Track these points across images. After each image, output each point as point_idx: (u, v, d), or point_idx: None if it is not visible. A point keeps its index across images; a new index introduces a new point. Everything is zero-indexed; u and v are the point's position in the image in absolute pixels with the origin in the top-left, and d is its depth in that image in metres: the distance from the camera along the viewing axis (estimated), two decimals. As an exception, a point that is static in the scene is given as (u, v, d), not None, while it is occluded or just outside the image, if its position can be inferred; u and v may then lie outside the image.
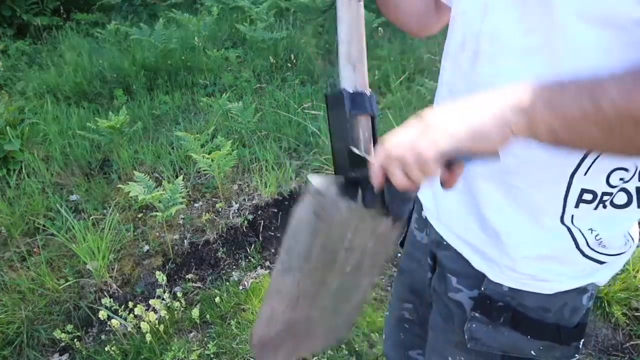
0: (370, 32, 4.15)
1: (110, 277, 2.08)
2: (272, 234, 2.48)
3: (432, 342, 0.92)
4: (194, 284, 2.17)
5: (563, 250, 0.69)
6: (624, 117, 0.46)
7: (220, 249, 2.32)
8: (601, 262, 0.71)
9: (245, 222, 2.40)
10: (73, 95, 3.49)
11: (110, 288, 2.05)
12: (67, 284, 2.02)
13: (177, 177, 2.56)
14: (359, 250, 0.68)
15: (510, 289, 0.74)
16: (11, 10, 4.55)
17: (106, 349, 1.78)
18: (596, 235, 0.68)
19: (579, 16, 0.52)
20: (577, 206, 0.65)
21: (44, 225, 2.32)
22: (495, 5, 0.62)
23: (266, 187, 2.52)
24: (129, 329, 1.84)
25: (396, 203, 0.61)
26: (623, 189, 0.64)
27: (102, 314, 1.78)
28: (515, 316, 0.75)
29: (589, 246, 0.69)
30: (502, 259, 0.73)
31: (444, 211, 0.83)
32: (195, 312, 1.88)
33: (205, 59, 3.77)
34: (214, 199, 2.53)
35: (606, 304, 1.93)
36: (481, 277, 0.77)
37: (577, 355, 0.78)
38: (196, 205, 2.50)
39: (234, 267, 2.28)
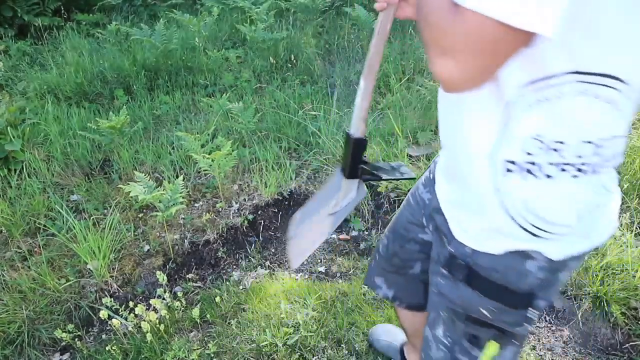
0: (370, 33, 4.15)
1: (111, 276, 2.08)
2: (272, 233, 2.49)
3: (431, 301, 1.02)
4: (194, 284, 2.17)
5: (499, 218, 0.77)
6: (426, 20, 0.63)
7: (221, 248, 2.32)
8: (535, 235, 0.76)
9: (246, 222, 2.41)
10: (74, 95, 3.49)
11: (111, 288, 2.06)
12: (68, 283, 2.03)
13: (177, 177, 2.57)
14: (339, 203, 1.21)
15: (471, 249, 0.84)
16: (12, 11, 4.56)
17: (107, 348, 1.79)
18: (527, 207, 0.74)
19: None
20: (504, 175, 0.73)
21: (44, 225, 2.32)
22: None
23: (266, 187, 2.52)
24: (130, 328, 1.85)
25: (357, 170, 1.14)
26: (549, 163, 0.71)
27: (103, 314, 1.79)
28: (470, 273, 0.85)
29: (520, 216, 0.75)
30: (462, 219, 0.86)
31: (439, 176, 0.99)
32: (195, 312, 1.88)
33: (206, 59, 3.78)
34: (214, 199, 2.54)
35: (605, 304, 1.93)
36: (454, 240, 0.88)
37: (526, 324, 0.84)
38: (196, 205, 2.51)
39: (234, 266, 2.28)
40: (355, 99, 1.08)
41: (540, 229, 0.75)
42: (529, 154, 0.70)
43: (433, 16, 0.62)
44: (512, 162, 0.72)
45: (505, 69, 0.65)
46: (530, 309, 0.82)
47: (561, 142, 0.69)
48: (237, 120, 2.92)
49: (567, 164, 0.70)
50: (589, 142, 0.69)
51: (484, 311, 0.85)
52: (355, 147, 1.12)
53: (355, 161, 1.16)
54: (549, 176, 0.71)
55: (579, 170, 0.71)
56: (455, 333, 0.93)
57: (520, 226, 0.76)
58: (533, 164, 0.71)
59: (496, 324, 0.86)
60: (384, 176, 1.12)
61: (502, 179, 0.74)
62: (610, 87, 0.64)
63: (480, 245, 0.82)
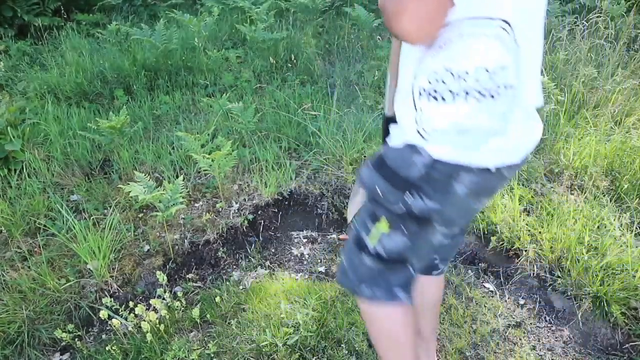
0: (370, 33, 4.15)
1: (111, 276, 2.08)
2: (272, 233, 2.49)
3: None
4: (194, 284, 2.17)
5: (409, 123, 1.00)
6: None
7: (221, 248, 2.32)
8: (423, 137, 0.98)
9: (246, 222, 2.41)
10: (74, 95, 3.49)
11: (111, 288, 2.06)
12: (68, 283, 2.03)
13: (177, 177, 2.57)
14: None
15: (388, 146, 1.07)
16: (12, 11, 4.56)
17: (107, 348, 1.79)
18: (421, 117, 0.96)
19: None
20: (419, 93, 0.96)
21: (44, 225, 2.32)
22: None
23: (266, 187, 2.52)
24: (130, 328, 1.85)
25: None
26: (452, 89, 0.91)
27: (103, 314, 1.79)
28: (381, 162, 1.06)
29: (420, 122, 0.97)
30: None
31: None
32: (195, 312, 1.88)
33: (206, 59, 3.78)
34: (214, 199, 2.54)
35: (605, 304, 1.93)
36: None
37: (401, 204, 1.04)
38: (196, 205, 2.51)
39: (234, 266, 2.28)
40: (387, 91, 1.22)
41: (429, 133, 0.96)
42: (432, 80, 0.92)
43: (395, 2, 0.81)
44: (422, 87, 0.94)
45: None
46: (407, 193, 1.02)
47: (465, 72, 0.89)
48: (237, 120, 2.92)
49: (470, 88, 0.90)
50: (485, 70, 0.89)
51: (378, 190, 1.05)
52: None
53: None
54: (449, 98, 0.92)
55: (480, 93, 0.90)
56: (364, 214, 1.16)
57: (418, 128, 0.98)
58: (435, 89, 0.93)
59: (384, 203, 1.06)
60: None
61: (419, 97, 0.96)
62: (497, 27, 0.87)
63: (393, 142, 1.06)
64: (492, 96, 0.91)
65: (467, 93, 0.91)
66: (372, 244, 1.13)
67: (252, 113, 2.89)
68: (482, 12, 0.87)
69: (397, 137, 1.04)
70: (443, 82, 0.91)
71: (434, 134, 0.96)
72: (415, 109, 0.97)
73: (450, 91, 0.91)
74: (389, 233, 1.09)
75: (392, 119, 1.13)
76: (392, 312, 1.18)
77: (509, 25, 0.87)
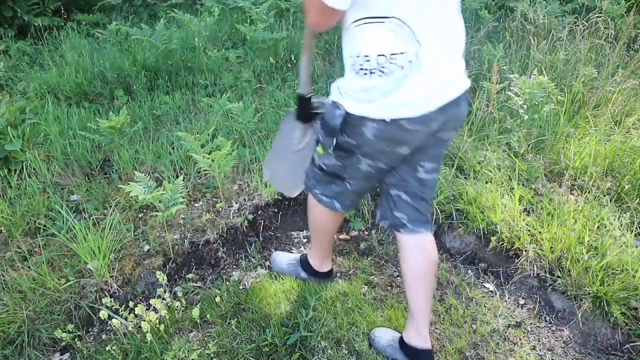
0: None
1: (111, 276, 2.08)
2: (272, 233, 2.49)
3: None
4: (194, 284, 2.17)
5: (338, 83, 1.42)
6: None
7: (221, 248, 2.32)
8: (341, 94, 1.38)
9: (246, 222, 2.41)
10: (74, 95, 3.49)
11: (111, 288, 2.06)
12: (68, 283, 2.03)
13: (177, 177, 2.57)
14: (302, 142, 1.78)
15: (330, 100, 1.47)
16: (12, 11, 4.56)
17: (107, 348, 1.79)
18: (343, 80, 1.39)
19: None
20: (351, 65, 1.33)
21: (44, 225, 2.32)
22: None
23: (266, 187, 2.52)
24: (130, 328, 1.85)
25: (308, 117, 1.69)
26: (365, 68, 1.28)
27: (103, 314, 1.79)
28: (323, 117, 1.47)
29: (342, 86, 1.39)
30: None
31: None
32: (195, 312, 1.88)
33: (206, 59, 3.78)
34: (214, 199, 2.54)
35: (605, 304, 1.93)
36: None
37: (330, 148, 1.44)
38: (196, 205, 2.51)
39: (234, 266, 2.28)
40: (302, 70, 1.66)
41: (344, 91, 1.37)
42: (353, 57, 1.30)
43: (306, 3, 1.27)
44: (349, 63, 1.33)
45: (345, 15, 1.27)
46: (336, 138, 1.42)
47: (367, 56, 1.25)
48: (237, 120, 2.92)
49: (374, 68, 1.26)
50: (383, 55, 1.24)
51: (320, 136, 1.49)
52: (306, 102, 1.69)
53: (308, 110, 1.71)
54: (364, 73, 1.28)
55: (381, 71, 1.26)
56: (317, 137, 1.56)
57: (339, 88, 1.40)
58: (354, 64, 1.30)
59: (321, 141, 1.49)
60: (323, 111, 1.61)
61: (350, 67, 1.34)
62: (391, 23, 1.20)
63: (331, 97, 1.44)
64: (393, 72, 1.26)
65: (371, 72, 1.27)
66: (316, 160, 1.62)
67: (252, 113, 2.89)
68: (377, 14, 1.21)
69: (332, 94, 1.45)
70: (356, 61, 1.29)
71: (345, 93, 1.37)
72: (345, 74, 1.38)
73: (362, 68, 1.28)
74: (325, 154, 1.55)
75: (307, 99, 1.63)
76: (327, 211, 1.72)
77: (402, 21, 1.20)
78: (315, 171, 1.67)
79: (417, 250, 1.62)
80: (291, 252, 2.36)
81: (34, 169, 2.69)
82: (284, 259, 2.18)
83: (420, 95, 1.29)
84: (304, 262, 2.10)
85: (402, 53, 1.22)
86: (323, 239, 1.94)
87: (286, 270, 2.15)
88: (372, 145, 1.40)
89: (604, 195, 2.39)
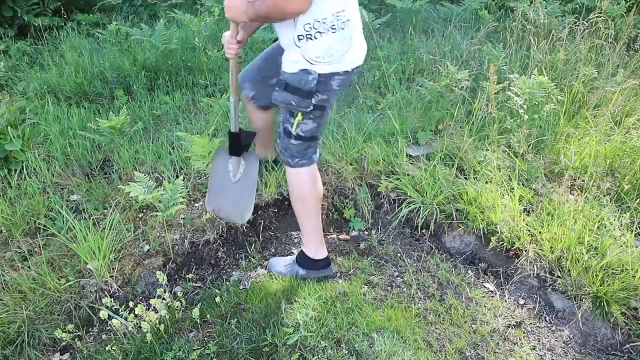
0: (370, 33, 4.15)
1: (111, 276, 2.08)
2: (272, 233, 2.49)
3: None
4: (194, 284, 2.17)
5: (298, 57, 1.71)
6: (270, 8, 1.59)
7: (221, 248, 2.33)
8: (311, 63, 1.71)
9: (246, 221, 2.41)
10: (74, 95, 3.49)
11: (111, 288, 2.06)
12: (68, 283, 2.03)
13: (177, 177, 2.57)
14: (238, 172, 2.15)
15: (286, 72, 1.78)
16: (12, 11, 4.56)
17: (107, 348, 1.79)
18: (308, 50, 1.69)
19: None
20: (299, 39, 1.68)
21: (44, 225, 2.32)
22: None
23: (266, 187, 2.53)
24: (130, 328, 1.85)
25: (240, 150, 2.12)
26: (319, 30, 1.66)
27: (103, 314, 1.79)
28: (286, 85, 1.78)
29: (306, 55, 1.70)
30: (285, 61, 1.78)
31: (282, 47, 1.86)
32: (195, 312, 1.88)
33: (206, 59, 3.78)
34: (214, 199, 2.54)
35: (605, 304, 1.93)
36: (281, 72, 1.82)
37: (311, 106, 1.77)
38: (196, 205, 2.51)
39: (234, 266, 2.28)
40: (231, 110, 2.06)
41: (313, 60, 1.70)
42: (306, 29, 1.65)
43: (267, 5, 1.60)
44: (300, 35, 1.66)
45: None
46: (313, 98, 1.76)
47: (324, 18, 1.64)
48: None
49: (328, 28, 1.66)
50: (333, 15, 1.65)
51: (293, 102, 1.77)
52: (238, 137, 2.09)
53: (240, 144, 2.10)
54: (319, 36, 1.66)
55: (333, 29, 1.67)
56: (283, 113, 1.87)
57: (305, 59, 1.70)
58: (309, 33, 1.65)
59: (299, 108, 1.78)
60: (248, 143, 2.15)
61: (299, 42, 1.68)
62: None
63: (290, 70, 1.76)
64: (342, 28, 1.69)
65: (327, 31, 1.66)
66: (294, 131, 1.84)
67: (252, 113, 2.88)
68: None
69: (292, 67, 1.75)
70: (313, 27, 1.64)
71: (316, 60, 1.71)
72: (300, 48, 1.69)
73: (318, 32, 1.65)
74: (304, 120, 1.82)
75: (237, 135, 2.08)
76: (307, 170, 1.96)
77: None
78: (293, 144, 1.88)
79: (267, 112, 2.33)
80: (291, 251, 2.36)
81: (34, 169, 2.69)
82: (280, 262, 2.23)
83: (361, 50, 1.83)
84: (300, 258, 2.14)
85: (343, 10, 1.67)
86: (311, 217, 2.05)
87: (284, 271, 2.17)
88: (337, 94, 1.84)
89: (604, 195, 2.39)
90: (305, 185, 1.98)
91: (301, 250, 2.13)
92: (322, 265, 2.12)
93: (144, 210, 2.47)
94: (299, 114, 1.79)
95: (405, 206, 2.44)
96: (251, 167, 2.14)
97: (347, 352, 1.80)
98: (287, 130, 1.86)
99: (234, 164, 2.14)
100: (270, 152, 2.56)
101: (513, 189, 2.35)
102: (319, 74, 1.71)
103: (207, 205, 2.24)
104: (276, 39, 1.96)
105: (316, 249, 2.10)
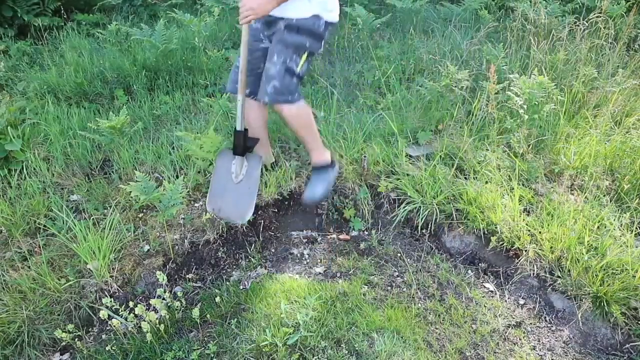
0: (370, 33, 4.15)
1: (111, 276, 2.08)
2: (272, 233, 2.49)
3: (270, 51, 2.12)
4: (194, 284, 2.17)
5: (310, 5, 2.02)
6: None
7: (221, 248, 2.33)
8: (325, 10, 2.06)
9: (246, 222, 2.41)
10: (74, 95, 3.49)
11: (111, 288, 2.06)
12: (68, 283, 2.03)
13: (177, 177, 2.57)
14: (240, 173, 2.25)
15: (297, 19, 2.03)
16: (12, 11, 4.56)
17: (107, 348, 1.79)
18: (321, 3, 2.04)
19: None
20: None
21: (44, 225, 2.32)
22: None
23: (266, 187, 2.52)
24: (130, 328, 1.85)
25: (245, 150, 2.24)
26: None
27: (103, 314, 1.79)
28: (299, 28, 2.03)
29: (320, 4, 2.04)
30: (294, 11, 2.03)
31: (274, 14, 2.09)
32: (195, 312, 1.88)
33: (206, 59, 3.78)
34: (214, 199, 2.54)
35: (605, 304, 1.93)
36: (288, 19, 2.05)
37: (320, 46, 2.15)
38: (196, 205, 2.51)
39: (234, 266, 2.28)
40: (237, 109, 2.13)
41: (327, 8, 2.05)
42: None
43: None
44: None
45: None
46: (323, 40, 2.13)
47: None
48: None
49: None
50: None
51: (307, 43, 2.06)
52: (244, 136, 2.19)
53: (245, 144, 2.21)
54: None
55: None
56: (287, 54, 2.05)
57: (320, 6, 2.03)
58: None
59: (312, 48, 2.09)
60: (252, 144, 2.26)
61: None
62: None
63: (301, 15, 2.02)
64: None
65: None
66: (298, 70, 2.09)
67: (252, 113, 2.88)
68: None
69: (304, 13, 2.02)
70: None
71: (329, 9, 2.06)
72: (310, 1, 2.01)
73: None
74: (306, 62, 2.11)
75: (243, 134, 2.19)
76: (303, 104, 2.19)
77: None
78: (294, 83, 2.11)
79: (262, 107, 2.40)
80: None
81: (34, 168, 2.69)
82: (315, 189, 2.35)
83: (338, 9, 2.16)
84: (321, 169, 2.40)
85: None
86: (314, 128, 2.32)
87: (324, 190, 2.36)
88: (325, 42, 2.16)
89: (604, 195, 2.39)
90: (306, 112, 2.22)
91: (315, 165, 2.40)
92: (334, 164, 2.46)
93: (144, 210, 2.47)
94: (305, 54, 2.06)
95: (405, 206, 2.45)
96: (254, 168, 2.23)
97: (347, 352, 1.80)
98: (291, 69, 2.06)
99: (237, 165, 2.22)
100: (268, 153, 2.59)
101: (513, 189, 2.35)
102: (325, 21, 2.05)
103: (208, 205, 2.27)
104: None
105: (324, 152, 2.39)
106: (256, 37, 2.18)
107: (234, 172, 2.24)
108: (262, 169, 2.42)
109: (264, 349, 1.79)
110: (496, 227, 2.24)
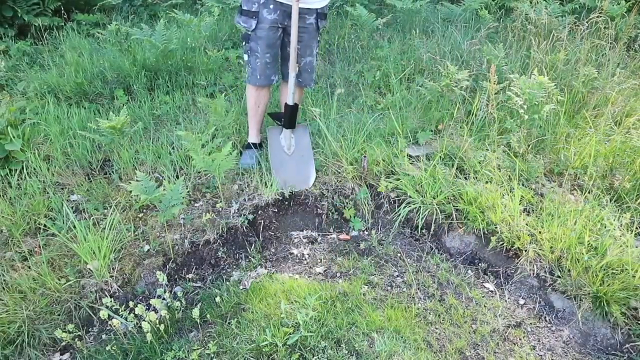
0: (370, 33, 4.15)
1: (111, 276, 2.08)
2: (272, 233, 2.49)
3: (306, 45, 2.54)
4: (194, 284, 2.17)
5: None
6: None
7: (221, 248, 2.33)
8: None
9: (246, 222, 2.41)
10: (74, 95, 3.49)
11: (111, 288, 2.06)
12: (68, 283, 2.03)
13: (177, 177, 2.57)
14: (291, 145, 2.65)
15: (317, 8, 2.46)
16: (12, 11, 4.56)
17: (107, 348, 1.79)
18: None
19: None
20: None
21: (45, 225, 2.32)
22: None
23: (266, 187, 2.52)
24: (130, 328, 1.85)
25: (294, 123, 2.61)
26: None
27: (103, 314, 1.79)
28: (325, 15, 2.53)
29: None
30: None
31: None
32: (195, 312, 1.88)
33: (206, 59, 3.78)
34: (214, 199, 2.54)
35: (605, 304, 1.93)
36: (321, 8, 2.50)
37: (326, 25, 2.60)
38: (196, 205, 2.51)
39: (234, 266, 2.28)
40: (290, 84, 2.44)
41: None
42: None
43: None
44: None
45: None
46: (326, 19, 2.57)
47: None
48: (238, 120, 2.91)
49: None
50: None
51: (325, 25, 2.54)
52: (294, 110, 2.47)
53: (294, 117, 2.49)
54: None
55: None
56: (316, 45, 2.56)
57: None
58: None
59: (324, 28, 2.69)
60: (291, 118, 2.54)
61: None
62: None
63: (324, 2, 2.46)
64: None
65: None
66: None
67: (252, 113, 2.88)
68: None
69: (323, 3, 2.44)
70: None
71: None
72: None
73: None
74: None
75: (294, 108, 2.51)
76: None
77: None
78: (316, 63, 2.63)
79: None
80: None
81: (34, 168, 2.69)
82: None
83: None
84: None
85: None
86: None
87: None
88: None
89: (604, 195, 2.39)
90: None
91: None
92: None
93: (144, 210, 2.47)
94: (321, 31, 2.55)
95: (405, 206, 2.45)
96: (302, 137, 2.59)
97: (347, 352, 1.80)
98: (316, 54, 2.60)
99: (285, 138, 2.55)
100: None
101: (513, 189, 2.35)
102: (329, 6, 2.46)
103: (275, 180, 2.51)
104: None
105: None
106: (274, 29, 2.42)
107: (285, 145, 2.58)
108: (309, 134, 2.72)
109: (264, 349, 1.79)
110: (496, 227, 2.25)
